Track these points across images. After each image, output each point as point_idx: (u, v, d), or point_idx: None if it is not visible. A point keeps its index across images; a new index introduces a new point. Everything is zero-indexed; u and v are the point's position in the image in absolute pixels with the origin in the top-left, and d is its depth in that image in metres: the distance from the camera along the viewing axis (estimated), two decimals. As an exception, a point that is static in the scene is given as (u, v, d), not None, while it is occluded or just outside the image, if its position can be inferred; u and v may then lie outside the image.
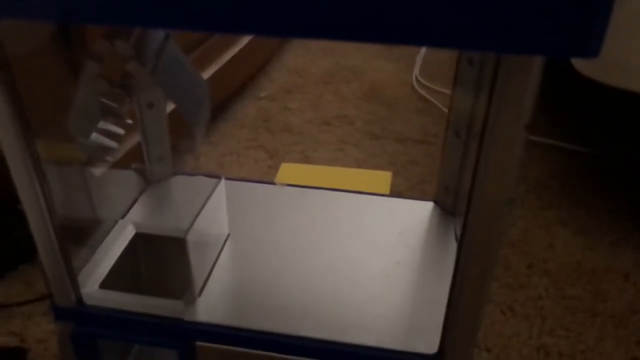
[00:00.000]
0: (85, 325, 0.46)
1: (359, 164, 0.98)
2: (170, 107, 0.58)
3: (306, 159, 0.99)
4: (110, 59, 0.43)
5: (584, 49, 0.26)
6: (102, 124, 0.46)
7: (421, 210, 0.56)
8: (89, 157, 0.48)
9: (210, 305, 0.45)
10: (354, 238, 0.52)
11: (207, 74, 0.98)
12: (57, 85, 0.48)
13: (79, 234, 0.50)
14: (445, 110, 1.14)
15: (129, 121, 0.48)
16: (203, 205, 0.46)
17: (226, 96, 1.11)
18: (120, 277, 0.49)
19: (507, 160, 0.31)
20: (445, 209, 0.56)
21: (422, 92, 1.21)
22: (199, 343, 0.44)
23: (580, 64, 0.78)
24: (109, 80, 0.44)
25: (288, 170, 0.94)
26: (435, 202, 0.57)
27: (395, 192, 0.90)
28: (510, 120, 0.30)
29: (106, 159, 0.48)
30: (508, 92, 0.30)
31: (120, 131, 0.48)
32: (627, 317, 0.69)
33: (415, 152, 1.01)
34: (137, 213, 0.55)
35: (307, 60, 1.37)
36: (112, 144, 0.47)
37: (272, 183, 0.60)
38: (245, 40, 1.13)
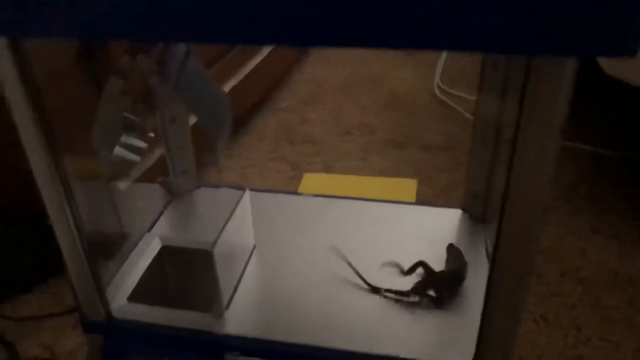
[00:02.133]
0: (115, 339, 0.46)
1: (382, 173, 0.97)
2: (192, 120, 0.58)
3: (328, 169, 0.99)
4: (132, 74, 0.43)
5: (620, 49, 0.25)
6: (124, 138, 0.47)
7: (449, 218, 0.55)
8: (112, 171, 0.48)
9: (239, 317, 0.45)
10: (383, 247, 0.51)
11: (227, 88, 0.99)
12: (82, 102, 0.49)
13: (106, 248, 0.50)
14: (468, 115, 1.12)
15: (152, 134, 0.49)
16: (229, 217, 0.46)
17: (246, 109, 1.12)
18: (147, 290, 0.49)
19: (542, 167, 0.30)
20: (474, 217, 0.55)
21: (444, 98, 1.20)
22: (228, 355, 0.43)
23: (607, 64, 0.76)
24: (132, 96, 0.44)
25: (310, 180, 0.94)
26: (463, 209, 0.55)
27: (421, 200, 0.89)
28: (543, 126, 0.29)
29: (129, 172, 0.48)
30: (540, 96, 0.29)
31: (143, 145, 0.48)
32: (666, 326, 0.66)
33: (439, 158, 1.00)
34: (163, 226, 0.55)
35: (326, 70, 1.37)
36: (135, 157, 0.48)
37: (297, 193, 0.60)
38: (264, 53, 1.13)
